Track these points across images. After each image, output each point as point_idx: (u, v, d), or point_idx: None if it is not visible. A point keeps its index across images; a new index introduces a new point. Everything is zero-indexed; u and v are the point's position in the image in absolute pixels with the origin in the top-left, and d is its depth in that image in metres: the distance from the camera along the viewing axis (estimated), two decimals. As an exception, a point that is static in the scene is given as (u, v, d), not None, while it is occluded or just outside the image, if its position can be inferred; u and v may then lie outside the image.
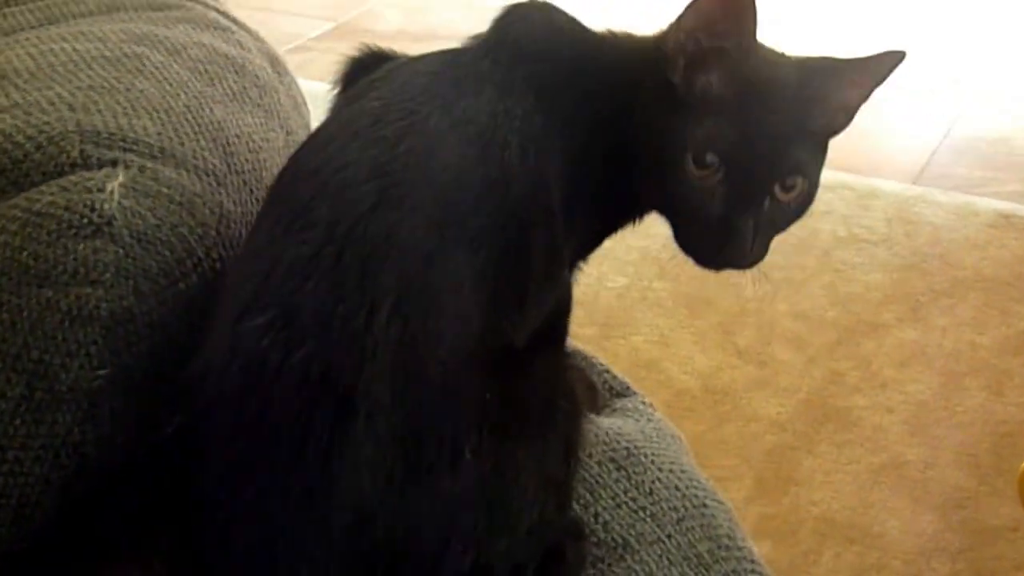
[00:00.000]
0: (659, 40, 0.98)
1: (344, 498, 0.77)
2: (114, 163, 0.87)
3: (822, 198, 2.81)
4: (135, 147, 0.89)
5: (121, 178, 0.85)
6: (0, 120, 0.89)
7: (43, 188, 0.83)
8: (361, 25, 3.32)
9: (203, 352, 0.82)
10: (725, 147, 0.93)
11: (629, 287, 2.35)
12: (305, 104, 1.22)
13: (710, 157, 0.93)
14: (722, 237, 0.96)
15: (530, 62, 0.95)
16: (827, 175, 2.57)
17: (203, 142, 0.94)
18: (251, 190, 0.96)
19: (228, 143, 0.96)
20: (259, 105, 1.06)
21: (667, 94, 0.95)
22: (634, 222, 1.06)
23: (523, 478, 0.83)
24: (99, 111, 0.91)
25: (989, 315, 2.26)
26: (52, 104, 0.90)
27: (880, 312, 2.28)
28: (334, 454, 0.77)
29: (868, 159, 2.70)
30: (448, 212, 0.85)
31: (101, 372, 0.79)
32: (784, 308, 2.30)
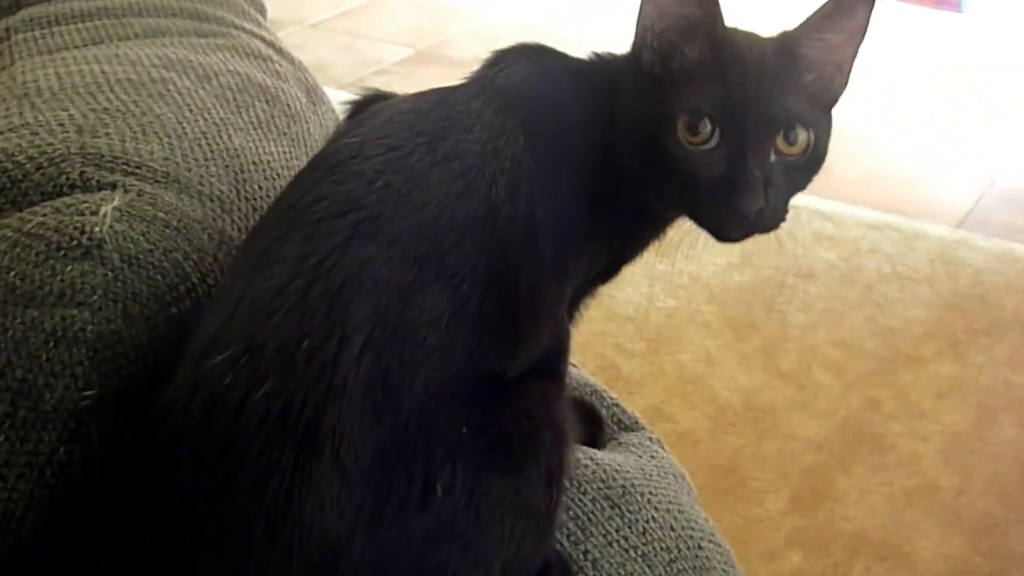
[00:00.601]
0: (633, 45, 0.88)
1: (308, 537, 0.68)
2: (113, 186, 0.80)
3: (868, 237, 2.68)
4: (138, 171, 0.82)
5: (116, 201, 0.78)
6: (6, 139, 0.83)
7: (37, 209, 0.77)
8: (440, 52, 3.23)
9: (168, 388, 0.73)
10: (714, 108, 0.82)
11: (679, 308, 2.23)
12: None
13: (702, 123, 0.82)
14: (733, 193, 0.83)
15: (522, 107, 0.84)
16: (875, 216, 2.43)
17: (213, 168, 0.86)
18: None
19: (242, 170, 0.88)
20: (285, 134, 0.98)
21: (647, 84, 0.85)
22: (655, 237, 0.95)
23: (499, 512, 0.73)
24: (107, 133, 0.84)
25: (1025, 355, 2.10)
26: (61, 125, 0.84)
27: (919, 346, 2.13)
28: (296, 493, 0.68)
29: (915, 203, 2.56)
30: (427, 246, 0.75)
31: (88, 393, 0.72)
32: (825, 336, 2.16)
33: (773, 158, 0.84)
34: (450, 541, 0.71)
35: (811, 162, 0.87)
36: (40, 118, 0.85)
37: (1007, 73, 3.14)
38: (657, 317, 2.21)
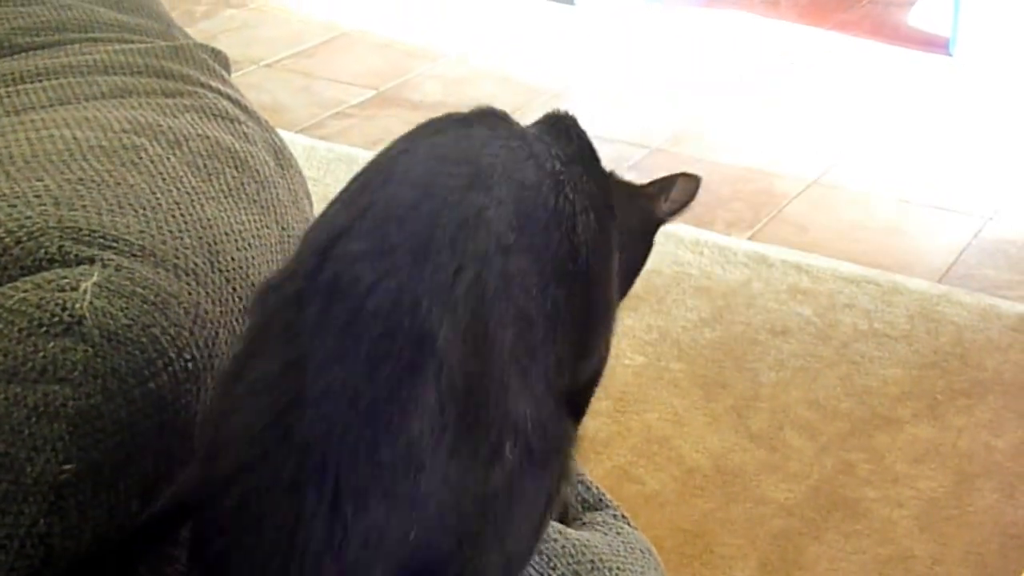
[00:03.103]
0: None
1: (400, 435, 0.76)
2: (92, 260, 0.86)
3: (845, 291, 2.80)
4: (115, 244, 0.89)
5: (96, 277, 0.84)
6: None
7: (18, 284, 0.83)
8: (401, 95, 3.33)
9: (291, 264, 0.84)
10: None
11: (647, 366, 2.32)
12: (308, 197, 1.21)
13: None
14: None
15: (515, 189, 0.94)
16: (852, 269, 2.59)
17: (188, 240, 0.93)
18: (234, 288, 0.95)
19: (215, 241, 0.96)
20: (255, 201, 1.06)
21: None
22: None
23: (524, 505, 0.83)
24: (83, 206, 0.91)
25: (1006, 418, 2.20)
26: (38, 197, 0.90)
27: (896, 407, 2.23)
28: (402, 389, 0.77)
29: (895, 255, 2.66)
30: (524, 220, 0.87)
31: (67, 467, 0.78)
32: (798, 395, 2.26)
33: None
34: (499, 505, 0.80)
35: None
36: (16, 189, 0.92)
37: (995, 121, 3.24)
38: (624, 375, 2.28)
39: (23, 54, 1.16)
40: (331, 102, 3.28)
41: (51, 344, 0.80)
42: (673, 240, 2.67)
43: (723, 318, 2.43)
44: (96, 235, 0.90)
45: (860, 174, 2.97)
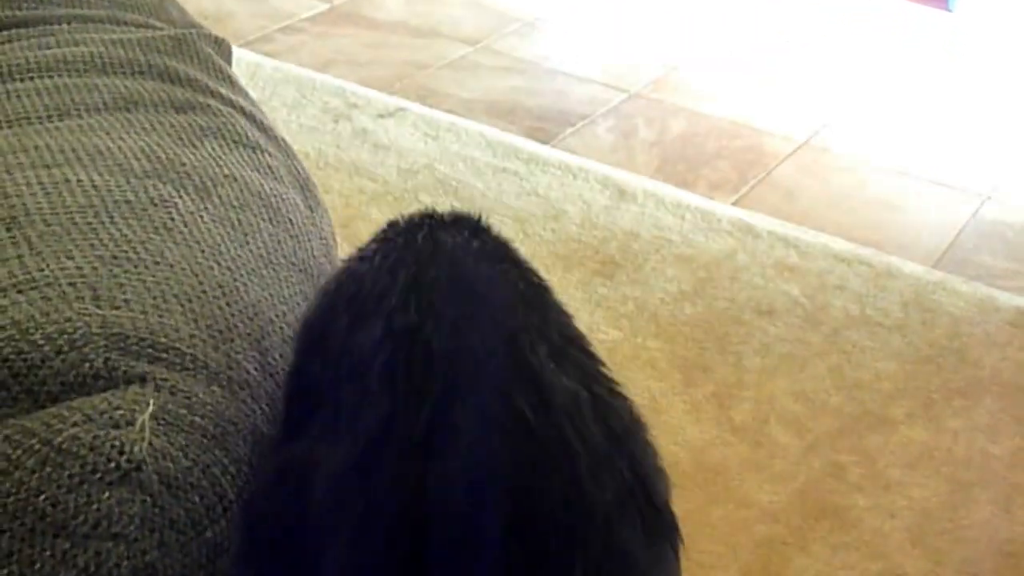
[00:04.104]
0: None
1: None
2: (143, 379, 0.81)
3: (836, 271, 2.71)
4: (164, 355, 0.83)
5: (152, 407, 0.79)
6: (15, 305, 0.81)
7: (64, 414, 0.76)
8: (358, 10, 3.16)
9: None
10: None
11: (622, 341, 2.22)
12: (333, 237, 1.16)
13: None
14: None
15: None
16: (844, 246, 2.45)
17: (239, 342, 0.88)
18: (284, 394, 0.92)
19: (262, 335, 0.91)
20: (293, 264, 1.02)
21: None
22: None
23: None
24: (126, 301, 0.85)
25: (1004, 423, 2.14)
26: (73, 286, 0.83)
27: (889, 405, 2.15)
28: None
29: (889, 234, 2.59)
30: None
31: None
32: (785, 385, 2.17)
33: None
34: None
35: None
36: (45, 270, 0.84)
37: (996, 83, 3.19)
38: (597, 351, 2.20)
39: (6, 32, 1.05)
40: (281, 14, 3.13)
41: (106, 495, 0.75)
42: (653, 200, 2.57)
43: (705, 292, 2.34)
44: (145, 344, 0.83)
45: (853, 137, 2.89)
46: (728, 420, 2.10)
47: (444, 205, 2.72)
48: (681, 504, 1.98)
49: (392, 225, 0.97)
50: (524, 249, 2.52)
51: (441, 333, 0.82)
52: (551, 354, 0.86)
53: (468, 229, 0.98)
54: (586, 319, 2.24)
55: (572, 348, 0.93)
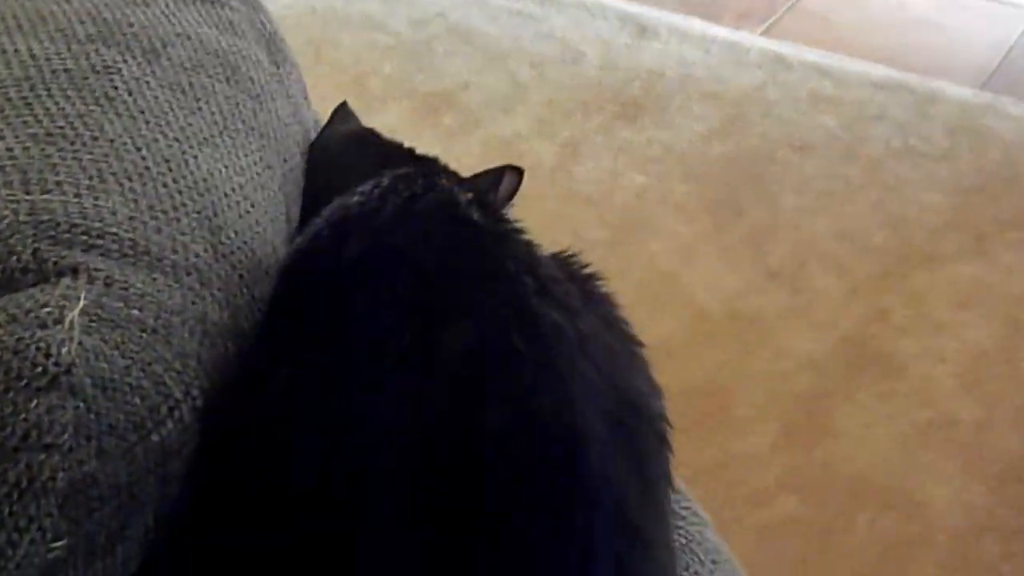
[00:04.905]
0: None
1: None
2: (75, 270, 0.76)
3: (875, 100, 2.56)
4: (100, 242, 0.78)
5: (82, 302, 0.73)
6: None
7: None
8: None
9: None
10: None
11: (648, 187, 2.13)
12: (304, 94, 1.08)
13: None
14: None
15: None
16: (883, 73, 2.26)
17: (185, 220, 0.82)
18: (240, 276, 0.85)
19: (215, 212, 0.85)
20: (253, 128, 0.95)
21: None
22: None
23: None
24: (58, 184, 0.79)
25: (1062, 255, 2.04)
26: (1, 168, 0.78)
27: (937, 241, 2.05)
28: None
29: (931, 56, 2.47)
30: None
31: (57, 544, 0.70)
32: (824, 225, 2.08)
33: None
34: None
35: None
36: None
37: None
38: (623, 198, 2.11)
39: None
40: None
41: (34, 403, 0.70)
42: (677, 35, 2.44)
43: (735, 130, 2.24)
44: (78, 231, 0.77)
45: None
46: (764, 264, 2.01)
47: (458, 54, 2.65)
48: (715, 355, 1.93)
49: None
50: (541, 95, 2.44)
51: None
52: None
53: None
54: (608, 165, 2.13)
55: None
